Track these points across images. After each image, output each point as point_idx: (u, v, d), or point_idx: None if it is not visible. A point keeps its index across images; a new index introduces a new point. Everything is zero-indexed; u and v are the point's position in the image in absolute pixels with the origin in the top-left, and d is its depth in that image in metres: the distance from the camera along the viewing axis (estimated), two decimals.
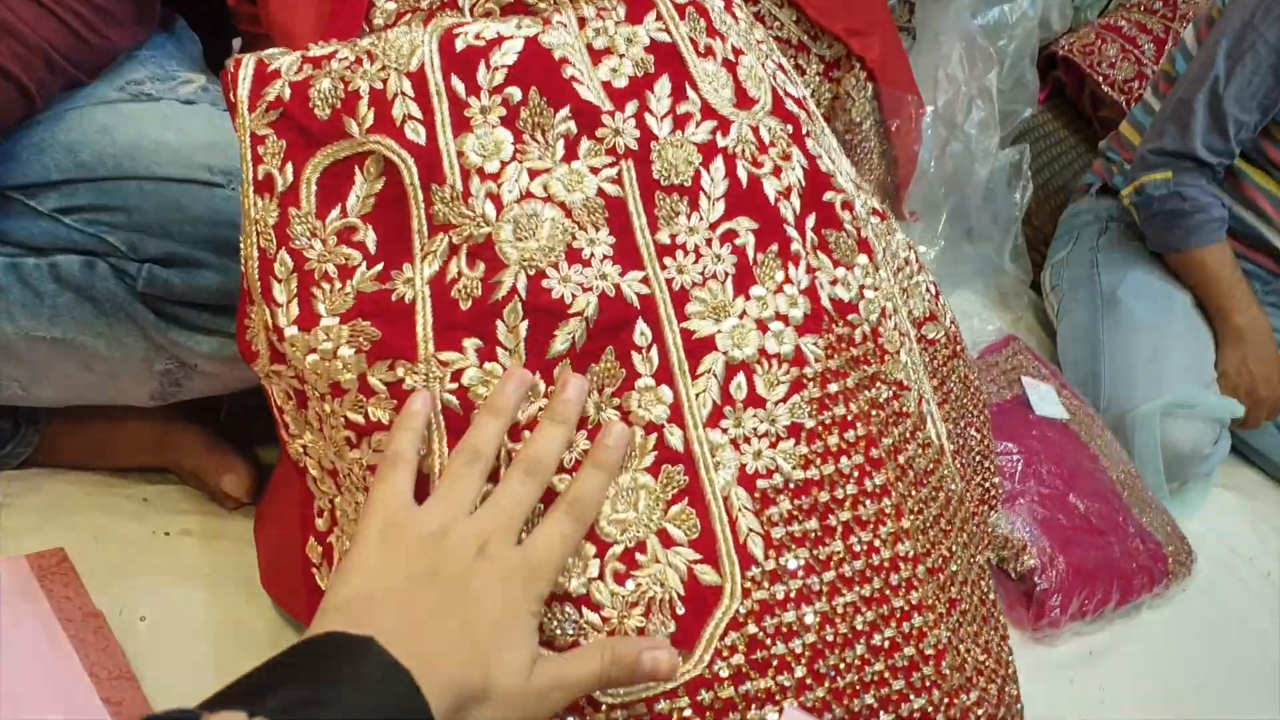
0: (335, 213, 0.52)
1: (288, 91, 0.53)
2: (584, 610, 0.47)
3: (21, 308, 0.67)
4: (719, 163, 0.54)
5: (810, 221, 0.56)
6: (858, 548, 0.51)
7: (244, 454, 0.82)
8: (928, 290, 0.77)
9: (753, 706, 0.47)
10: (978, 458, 0.84)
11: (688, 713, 0.46)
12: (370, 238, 0.52)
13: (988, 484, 0.84)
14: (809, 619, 0.49)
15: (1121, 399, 1.18)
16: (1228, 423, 1.19)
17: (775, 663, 0.48)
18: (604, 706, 0.46)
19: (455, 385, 0.49)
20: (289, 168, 0.53)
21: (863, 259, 0.58)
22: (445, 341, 0.50)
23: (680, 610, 0.47)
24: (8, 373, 0.71)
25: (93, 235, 0.67)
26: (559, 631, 0.47)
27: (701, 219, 0.53)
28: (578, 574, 0.47)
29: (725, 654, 0.47)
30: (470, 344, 0.50)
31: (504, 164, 0.52)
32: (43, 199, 0.68)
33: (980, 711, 0.57)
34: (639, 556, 0.48)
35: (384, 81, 0.53)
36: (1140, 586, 0.99)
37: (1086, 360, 1.25)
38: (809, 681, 0.48)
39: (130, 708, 0.66)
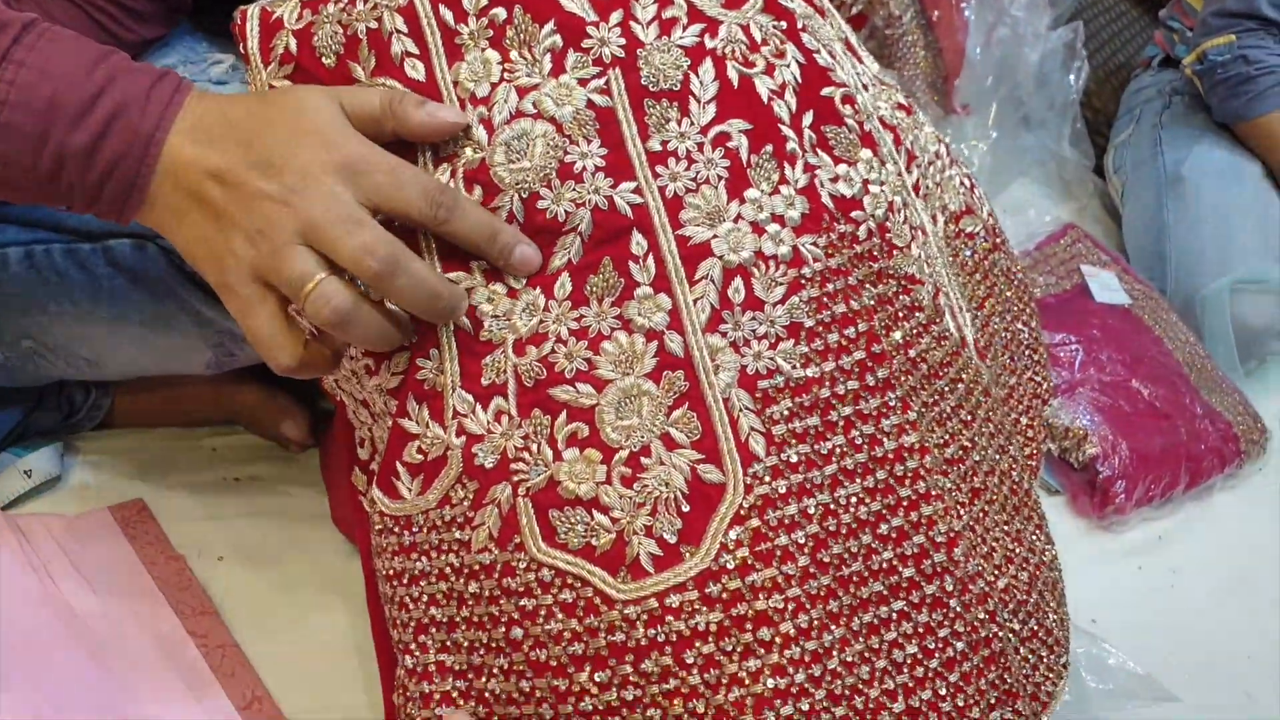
0: None
1: (294, 43, 0.54)
2: (594, 513, 0.49)
3: (80, 290, 0.70)
4: (708, 65, 0.54)
5: (807, 119, 0.55)
6: (859, 441, 0.52)
7: (301, 399, 0.85)
8: (962, 184, 0.76)
9: (759, 595, 0.48)
10: (1027, 351, 0.82)
11: (698, 605, 0.48)
12: None
13: (1039, 378, 0.83)
14: (811, 510, 0.50)
15: (1188, 279, 1.14)
16: None
17: (779, 553, 0.49)
18: (617, 603, 0.48)
19: (465, 304, 0.51)
20: None
21: (866, 153, 0.57)
22: (452, 265, 0.51)
23: (685, 508, 0.49)
24: (77, 352, 0.75)
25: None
26: (570, 534, 0.49)
27: (692, 124, 0.53)
28: (587, 479, 0.49)
29: (730, 548, 0.48)
30: (477, 265, 0.51)
31: (494, 85, 0.52)
32: None
33: (1008, 597, 0.57)
34: (644, 460, 0.49)
35: (378, 21, 0.53)
36: (1210, 468, 0.97)
37: (1152, 243, 1.21)
38: (812, 570, 0.49)
39: (214, 639, 0.71)
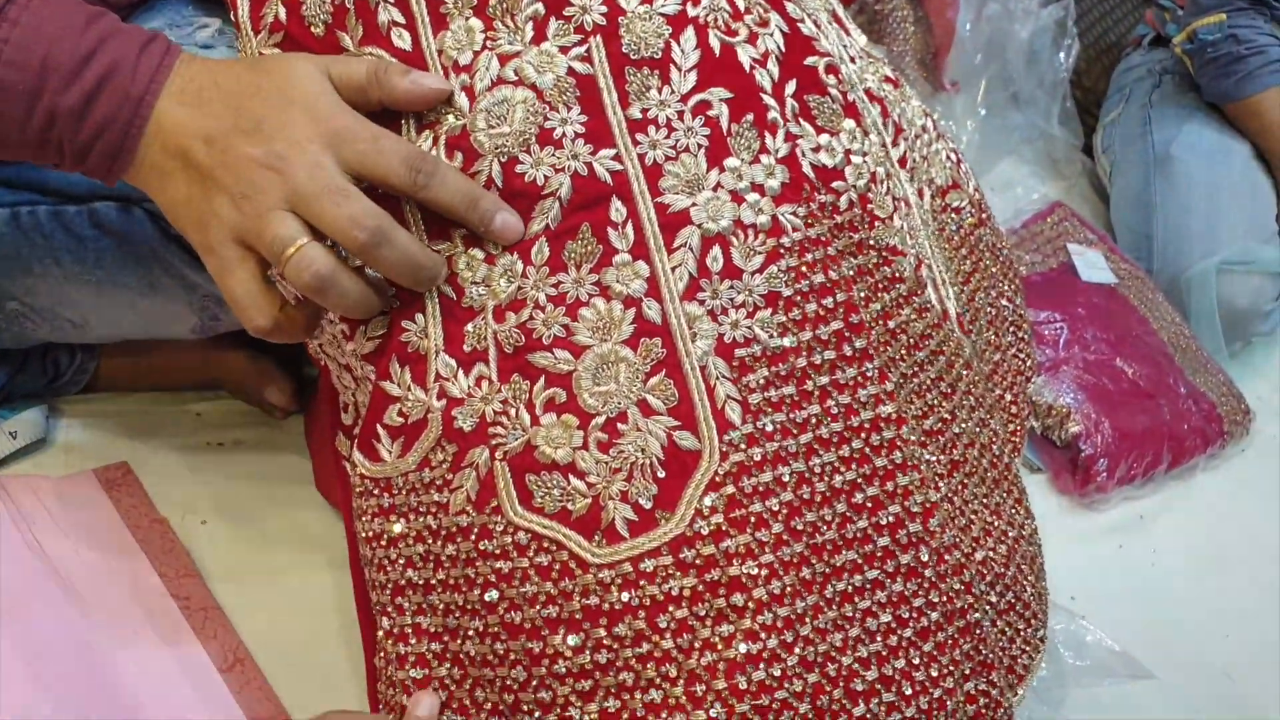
0: None
1: (283, 12, 0.54)
2: (570, 477, 0.49)
3: (66, 252, 0.70)
4: (690, 33, 0.54)
5: (790, 88, 0.55)
6: (835, 410, 0.52)
7: (286, 366, 0.85)
8: (948, 157, 0.76)
9: (733, 561, 0.49)
10: (1011, 327, 0.82)
11: (672, 570, 0.48)
12: None
13: (1023, 354, 0.83)
14: (785, 478, 0.50)
15: (1175, 260, 1.14)
16: None
17: (753, 520, 0.49)
18: (592, 567, 0.48)
19: (447, 272, 0.51)
20: None
21: (849, 124, 0.57)
22: (436, 233, 0.52)
23: (661, 474, 0.49)
24: (62, 315, 0.75)
25: (128, 183, 0.70)
26: (546, 498, 0.49)
27: (673, 92, 0.53)
28: (564, 444, 0.49)
29: (705, 513, 0.49)
30: (458, 232, 0.51)
31: (476, 53, 0.52)
32: None
33: (985, 570, 0.57)
34: (621, 426, 0.49)
35: None
36: (1193, 448, 0.98)
37: (1139, 223, 1.21)
38: (786, 537, 0.50)
39: (196, 602, 0.71)
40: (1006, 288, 0.82)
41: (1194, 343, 1.07)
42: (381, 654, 0.53)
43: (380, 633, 0.53)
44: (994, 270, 0.80)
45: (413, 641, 0.52)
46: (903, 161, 0.65)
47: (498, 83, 0.52)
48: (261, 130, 0.48)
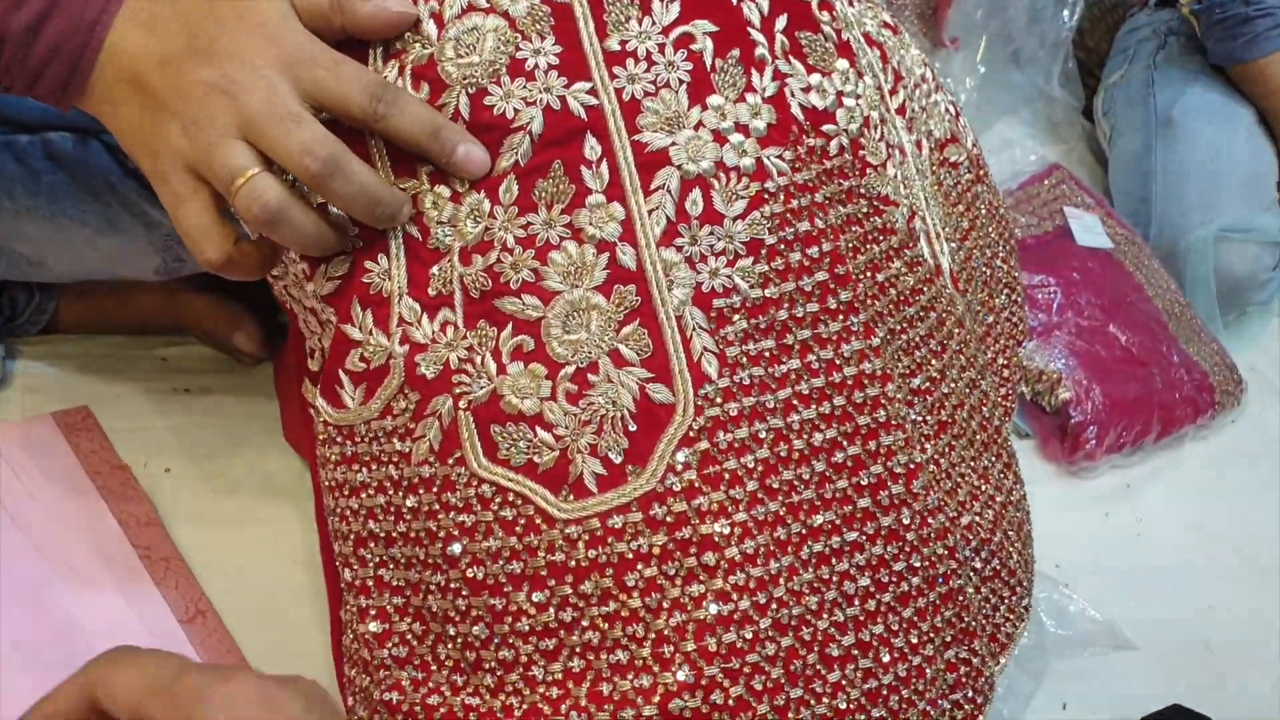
0: None
1: None
2: (537, 429, 0.47)
3: (19, 185, 0.67)
4: None
5: (780, 23, 0.52)
6: (817, 365, 0.50)
7: (256, 312, 0.83)
8: (947, 110, 0.73)
9: (705, 519, 0.46)
10: (1005, 289, 0.80)
11: (641, 526, 0.46)
12: None
13: (1016, 317, 0.81)
14: (762, 435, 0.48)
15: (1173, 226, 1.12)
16: None
17: (727, 477, 0.47)
18: (558, 522, 0.46)
19: (413, 211, 0.49)
20: None
21: (843, 64, 0.54)
22: (402, 170, 0.49)
23: (632, 428, 0.47)
24: (16, 250, 0.72)
25: (81, 110, 0.67)
26: (512, 450, 0.47)
27: (654, 23, 0.50)
28: (531, 394, 0.47)
29: (678, 469, 0.47)
30: (424, 169, 0.49)
31: None
32: None
33: (970, 535, 0.56)
34: (591, 376, 0.47)
35: None
36: (1183, 417, 0.96)
37: (1138, 188, 1.18)
38: (761, 495, 0.47)
39: (157, 551, 0.69)
40: (1001, 249, 0.79)
41: (1189, 311, 1.05)
42: (346, 607, 0.51)
43: (344, 584, 0.51)
44: (990, 230, 0.77)
45: (374, 594, 0.50)
46: (901, 110, 0.63)
47: (468, 10, 0.49)
48: (215, 53, 0.45)
